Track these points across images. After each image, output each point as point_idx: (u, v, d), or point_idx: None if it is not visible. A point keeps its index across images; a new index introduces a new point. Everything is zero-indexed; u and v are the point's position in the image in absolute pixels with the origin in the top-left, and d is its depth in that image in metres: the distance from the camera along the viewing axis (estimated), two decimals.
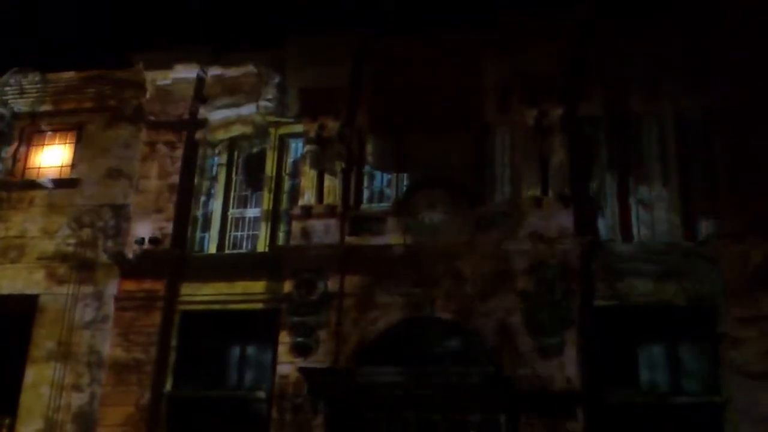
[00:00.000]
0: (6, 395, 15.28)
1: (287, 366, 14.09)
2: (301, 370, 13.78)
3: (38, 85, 17.28)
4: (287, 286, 14.58)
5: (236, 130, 16.25)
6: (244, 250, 15.74)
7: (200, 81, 16.49)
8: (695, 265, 13.46)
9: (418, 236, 14.43)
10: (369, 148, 15.73)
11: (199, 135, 16.23)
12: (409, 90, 15.47)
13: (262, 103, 16.03)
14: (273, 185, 15.88)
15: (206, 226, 16.01)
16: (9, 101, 17.32)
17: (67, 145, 17.21)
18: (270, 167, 16.01)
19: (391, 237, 14.56)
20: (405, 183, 15.39)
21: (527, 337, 13.43)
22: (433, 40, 15.40)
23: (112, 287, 15.49)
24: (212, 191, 16.19)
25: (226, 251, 15.79)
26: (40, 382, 15.27)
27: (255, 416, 14.30)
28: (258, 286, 14.94)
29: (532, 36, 14.81)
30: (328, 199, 15.14)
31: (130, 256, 15.35)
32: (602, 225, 14.37)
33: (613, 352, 13.44)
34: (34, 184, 16.87)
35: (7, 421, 15.18)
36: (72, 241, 16.15)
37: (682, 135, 14.53)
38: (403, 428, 13.44)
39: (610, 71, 14.95)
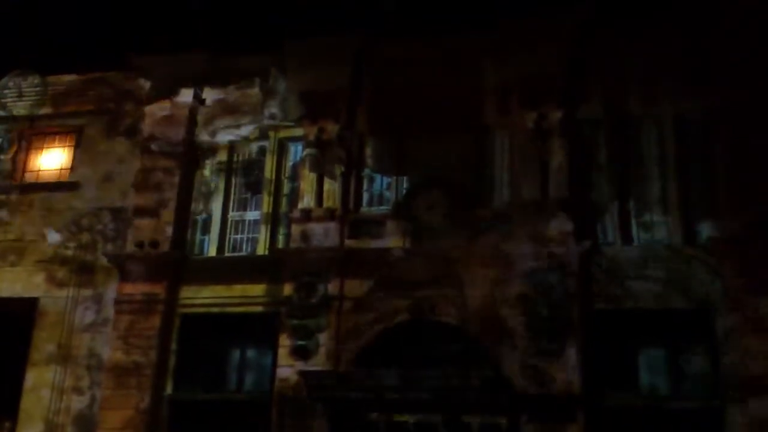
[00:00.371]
0: (6, 398, 15.32)
1: (287, 369, 14.11)
2: (301, 373, 13.80)
3: (37, 88, 17.28)
4: (287, 289, 14.59)
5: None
6: (243, 253, 15.75)
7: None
8: (695, 269, 13.43)
9: (417, 239, 14.41)
10: (368, 150, 15.72)
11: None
12: (408, 91, 15.44)
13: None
14: (273, 188, 15.88)
15: (206, 228, 16.03)
16: (8, 104, 17.31)
17: (66, 148, 17.21)
18: (269, 170, 16.01)
19: (391, 240, 14.58)
20: (404, 186, 15.38)
21: (527, 341, 13.42)
22: (433, 42, 15.36)
23: (111, 290, 15.52)
24: (212, 194, 16.18)
25: (226, 254, 15.81)
26: (41, 385, 15.30)
27: (255, 419, 14.28)
28: (258, 289, 14.96)
29: (532, 37, 14.79)
30: (327, 203, 15.14)
31: (130, 259, 15.33)
32: (602, 228, 14.34)
33: (612, 356, 13.43)
34: (33, 187, 16.86)
35: (7, 424, 15.25)
36: (71, 244, 16.15)
37: (682, 137, 14.49)
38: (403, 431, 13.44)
39: (610, 72, 14.91)
